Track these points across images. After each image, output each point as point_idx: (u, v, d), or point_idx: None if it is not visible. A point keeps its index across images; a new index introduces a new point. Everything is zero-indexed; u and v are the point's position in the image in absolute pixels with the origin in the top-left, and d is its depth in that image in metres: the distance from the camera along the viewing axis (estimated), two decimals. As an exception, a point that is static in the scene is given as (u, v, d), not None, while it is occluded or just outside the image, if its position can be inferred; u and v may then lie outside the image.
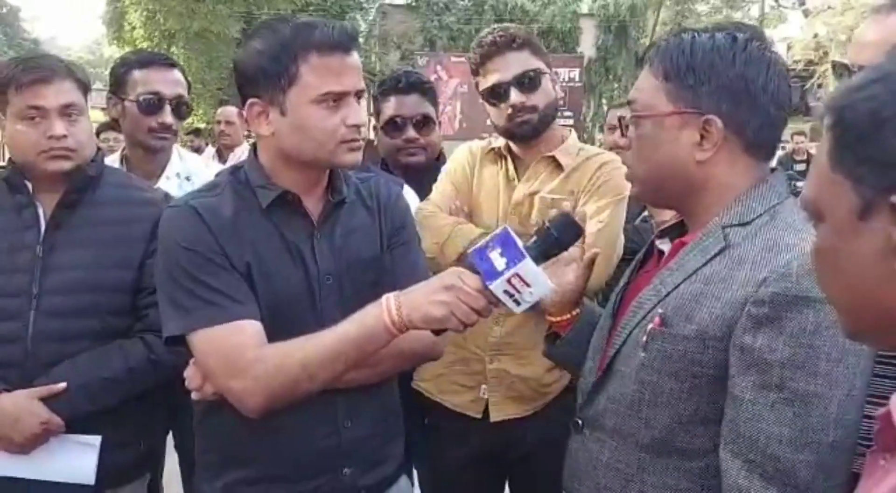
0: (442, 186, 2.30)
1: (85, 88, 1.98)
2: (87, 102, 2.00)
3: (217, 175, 1.72)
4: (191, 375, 1.58)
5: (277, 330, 1.51)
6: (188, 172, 2.60)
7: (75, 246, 1.94)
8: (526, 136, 2.18)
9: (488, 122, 2.29)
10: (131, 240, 1.97)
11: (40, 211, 1.96)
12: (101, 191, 2.01)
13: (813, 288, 1.12)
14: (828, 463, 1.15)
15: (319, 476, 1.60)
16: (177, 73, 2.59)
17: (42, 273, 1.90)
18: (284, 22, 1.55)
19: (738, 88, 1.28)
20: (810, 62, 18.30)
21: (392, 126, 2.51)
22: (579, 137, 2.33)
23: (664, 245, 1.46)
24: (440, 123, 2.61)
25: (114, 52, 20.19)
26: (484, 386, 2.18)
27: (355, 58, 1.54)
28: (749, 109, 1.29)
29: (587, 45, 21.99)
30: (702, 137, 1.30)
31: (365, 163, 1.79)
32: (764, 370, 1.17)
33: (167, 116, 2.50)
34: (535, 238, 1.45)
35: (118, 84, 2.52)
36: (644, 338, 1.31)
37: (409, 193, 2.19)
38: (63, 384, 1.85)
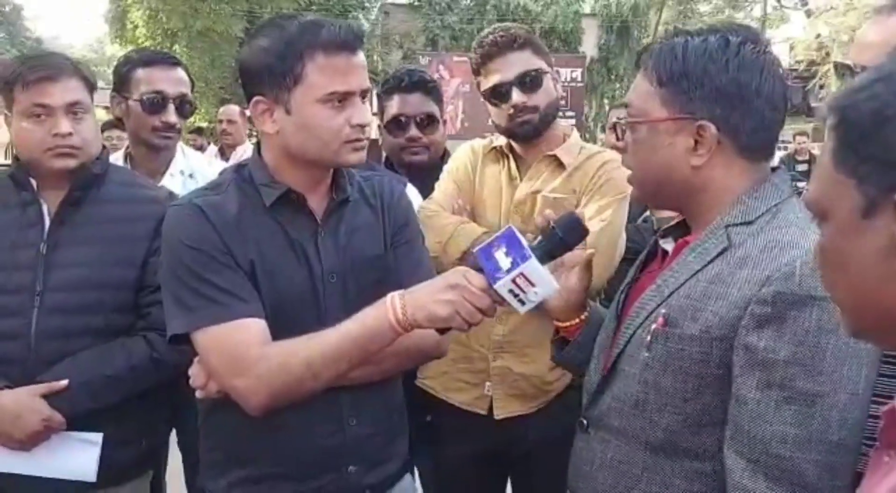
0: (444, 185, 2.31)
1: (91, 87, 1.98)
2: (92, 101, 2.00)
3: (221, 173, 1.72)
4: (195, 373, 1.59)
5: (281, 328, 1.51)
6: (192, 169, 2.60)
7: (79, 243, 1.94)
8: (527, 135, 2.19)
9: (490, 121, 2.29)
10: (135, 238, 1.97)
11: (45, 208, 1.96)
12: (106, 189, 2.02)
13: (817, 287, 1.12)
14: (833, 463, 1.15)
15: (324, 474, 1.60)
16: (180, 72, 2.59)
17: (45, 270, 1.91)
18: (291, 20, 1.54)
19: (731, 92, 1.28)
20: (812, 62, 18.30)
21: (395, 124, 2.50)
22: (581, 137, 2.34)
23: (667, 245, 1.46)
24: (444, 122, 2.60)
25: (116, 51, 20.19)
26: (488, 383, 2.19)
27: (361, 57, 1.55)
28: (743, 113, 1.29)
29: (589, 45, 21.99)
30: (696, 142, 1.30)
31: (368, 162, 1.79)
32: (768, 370, 1.17)
33: (171, 115, 2.51)
34: (539, 238, 1.45)
35: (122, 83, 2.53)
36: (648, 338, 1.31)
37: (412, 192, 2.19)
38: (65, 382, 1.85)
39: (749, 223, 1.29)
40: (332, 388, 1.52)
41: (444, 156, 2.56)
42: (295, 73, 1.49)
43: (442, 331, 1.47)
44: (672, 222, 1.49)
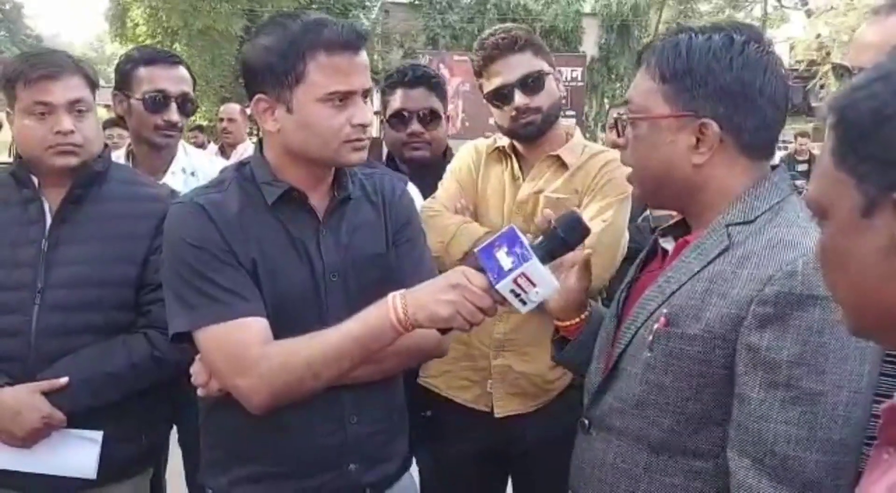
0: (447, 184, 2.30)
1: (92, 84, 1.98)
2: (94, 98, 2.01)
3: (222, 171, 1.72)
4: (197, 371, 1.59)
5: (283, 327, 1.51)
6: (193, 167, 2.60)
7: (80, 241, 1.94)
8: (530, 136, 2.19)
9: (491, 121, 2.29)
10: (136, 235, 1.97)
11: (46, 206, 1.96)
12: (107, 187, 2.02)
13: (819, 286, 1.12)
14: (836, 461, 1.15)
15: (325, 473, 1.60)
16: (182, 71, 2.59)
17: (46, 268, 1.91)
18: (294, 19, 1.54)
19: (735, 91, 1.28)
20: (813, 62, 18.28)
21: (397, 119, 2.49)
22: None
23: (667, 244, 1.46)
24: (448, 118, 2.58)
25: (116, 50, 20.18)
26: (490, 381, 2.19)
27: (363, 57, 1.55)
28: (746, 112, 1.29)
29: (590, 45, 21.98)
30: (697, 140, 1.30)
31: (369, 160, 1.79)
32: (771, 369, 1.18)
33: (173, 114, 2.51)
34: (541, 238, 1.45)
35: (124, 81, 2.53)
36: (650, 338, 1.30)
37: (412, 191, 2.18)
38: (65, 379, 1.85)
39: (749, 222, 1.29)
40: (334, 387, 1.52)
41: (447, 153, 2.56)
42: (297, 71, 1.49)
43: (443, 331, 1.47)
44: (671, 221, 1.49)
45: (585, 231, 1.48)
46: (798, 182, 6.79)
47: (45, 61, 1.92)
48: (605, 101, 21.66)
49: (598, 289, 2.14)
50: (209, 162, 2.77)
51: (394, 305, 1.43)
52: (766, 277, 1.20)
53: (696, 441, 1.28)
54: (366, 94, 1.56)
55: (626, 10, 22.39)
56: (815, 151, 10.35)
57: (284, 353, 1.47)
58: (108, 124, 4.99)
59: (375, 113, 1.99)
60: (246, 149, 5.80)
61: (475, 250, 1.48)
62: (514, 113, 2.14)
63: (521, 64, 2.14)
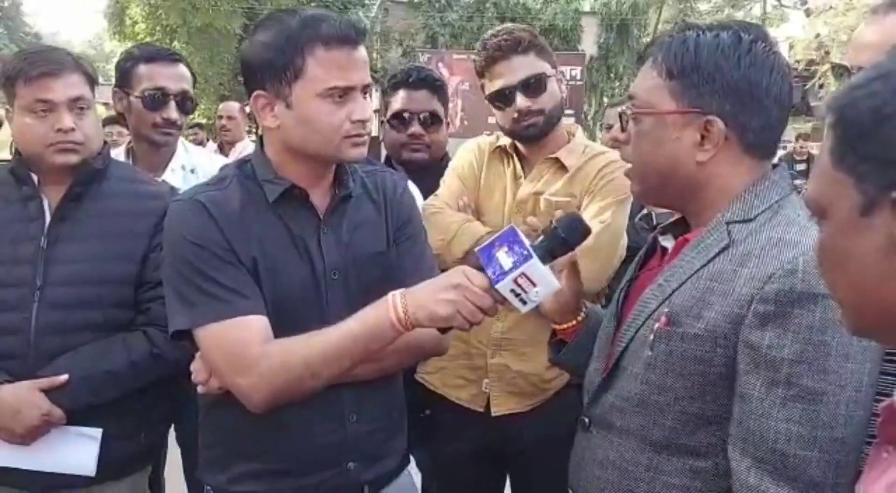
0: (450, 181, 2.30)
1: (92, 82, 1.98)
2: (94, 96, 2.00)
3: (223, 168, 1.72)
4: (197, 369, 1.59)
5: (283, 325, 1.51)
6: (193, 164, 2.61)
7: (80, 239, 1.94)
8: (532, 138, 2.19)
9: (490, 119, 2.29)
10: (136, 233, 1.97)
11: (45, 203, 1.96)
12: (107, 184, 2.01)
13: (819, 284, 1.12)
14: (837, 460, 1.15)
15: (324, 470, 1.60)
16: (182, 69, 2.59)
17: (46, 265, 1.91)
18: (292, 14, 1.54)
19: (742, 89, 1.28)
20: (812, 62, 18.29)
21: (398, 120, 2.49)
22: (581, 136, 2.33)
23: (667, 242, 1.46)
24: (448, 122, 2.58)
25: (115, 47, 20.15)
26: (486, 380, 2.19)
27: (362, 52, 1.54)
28: (752, 111, 1.29)
29: (589, 43, 21.93)
30: (702, 137, 1.30)
31: (368, 158, 1.79)
32: (772, 368, 1.17)
33: (172, 112, 2.51)
34: (541, 238, 1.45)
35: (123, 79, 2.53)
36: (651, 337, 1.30)
37: (411, 189, 2.18)
38: (65, 376, 1.85)
39: (749, 220, 1.29)
40: (334, 385, 1.52)
41: (445, 158, 2.55)
42: (295, 67, 1.49)
43: (443, 330, 1.47)
44: (671, 219, 1.49)
45: (586, 231, 1.48)
46: (796, 182, 6.80)
47: (46, 59, 1.92)
48: (605, 100, 21.60)
49: (596, 290, 2.14)
50: (209, 159, 2.77)
51: (394, 304, 1.43)
52: (767, 275, 1.20)
53: (696, 440, 1.28)
54: (365, 89, 1.56)
55: (626, 9, 22.34)
56: (814, 151, 10.36)
57: (284, 352, 1.47)
58: (107, 122, 4.99)
59: (375, 111, 1.98)
60: (245, 147, 5.80)
61: (475, 249, 1.48)
62: (516, 115, 2.14)
63: (523, 66, 2.14)
